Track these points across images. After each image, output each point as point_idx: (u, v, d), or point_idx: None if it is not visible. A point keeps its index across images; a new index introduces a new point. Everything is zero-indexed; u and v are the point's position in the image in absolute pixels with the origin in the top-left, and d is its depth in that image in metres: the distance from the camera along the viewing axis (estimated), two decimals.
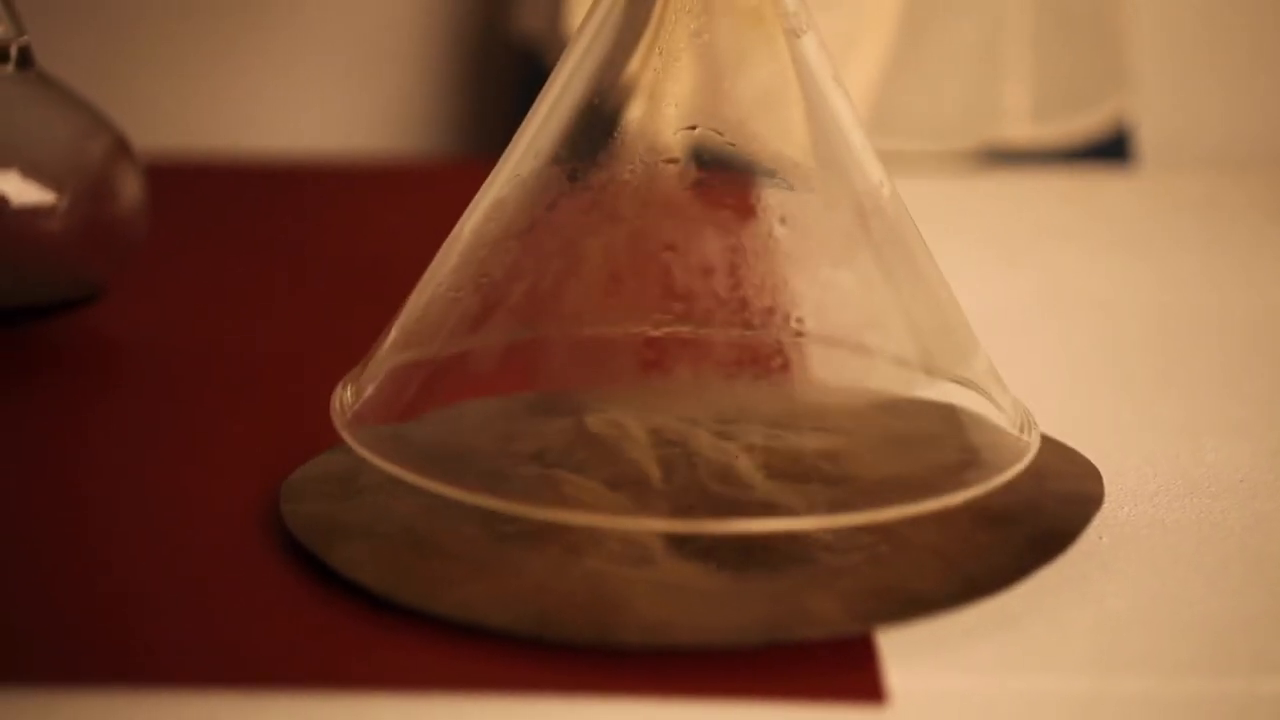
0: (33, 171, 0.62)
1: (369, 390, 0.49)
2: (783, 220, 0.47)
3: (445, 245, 0.50)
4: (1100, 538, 0.48)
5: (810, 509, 0.45)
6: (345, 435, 0.47)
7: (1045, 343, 0.67)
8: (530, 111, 0.50)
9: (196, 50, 1.29)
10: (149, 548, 0.48)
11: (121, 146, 0.64)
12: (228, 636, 0.43)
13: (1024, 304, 0.71)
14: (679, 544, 0.45)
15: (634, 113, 0.48)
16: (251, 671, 0.42)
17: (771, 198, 0.48)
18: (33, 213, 0.62)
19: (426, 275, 0.50)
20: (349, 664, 0.42)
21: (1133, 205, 0.90)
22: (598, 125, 0.48)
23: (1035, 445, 0.48)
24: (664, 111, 0.48)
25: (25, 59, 0.63)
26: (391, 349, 0.50)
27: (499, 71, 1.29)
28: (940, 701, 0.41)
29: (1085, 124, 1.09)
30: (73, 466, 0.54)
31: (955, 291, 0.51)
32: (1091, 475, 0.50)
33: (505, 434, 0.49)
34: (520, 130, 0.49)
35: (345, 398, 0.49)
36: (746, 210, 0.47)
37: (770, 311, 0.47)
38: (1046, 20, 1.06)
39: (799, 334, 0.47)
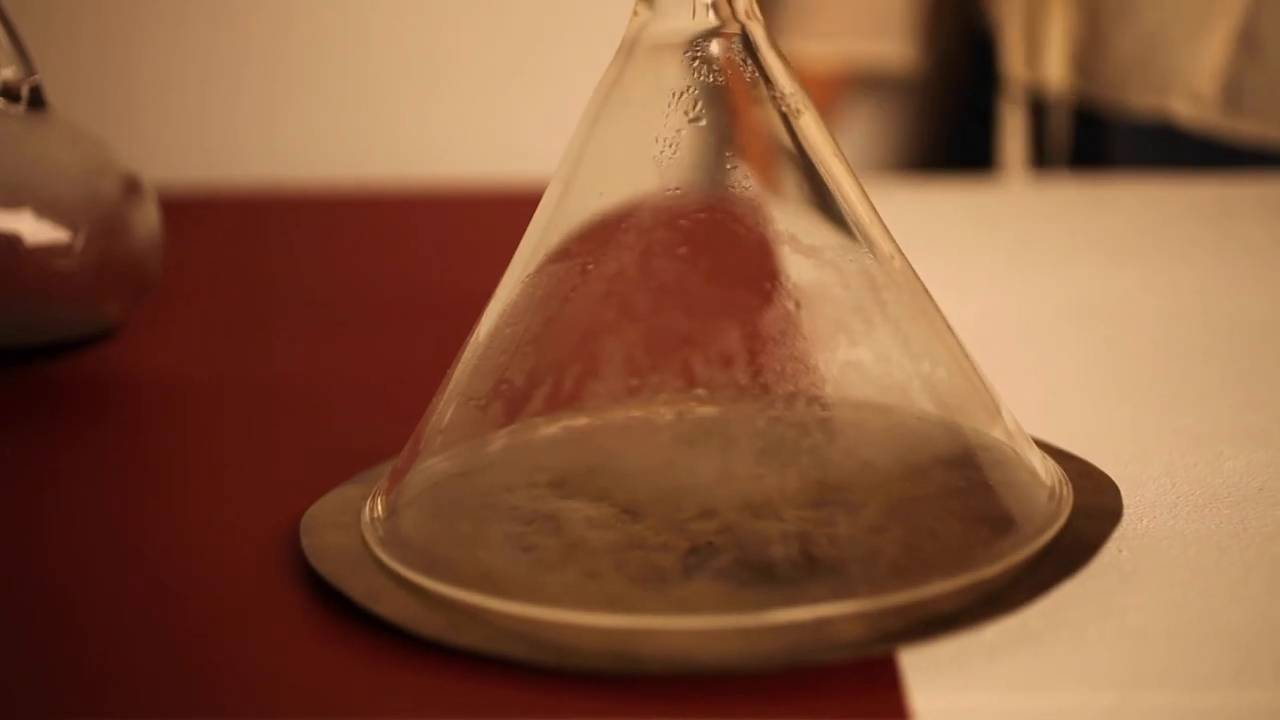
0: (46, 210, 0.62)
1: (400, 506, 0.48)
2: (798, 305, 0.48)
3: (465, 349, 0.50)
4: (1120, 550, 0.48)
5: (833, 541, 0.45)
6: (379, 553, 0.47)
7: (1053, 356, 0.67)
8: (537, 210, 0.50)
9: (202, 80, 1.30)
10: (168, 584, 0.49)
11: (134, 183, 0.64)
12: (249, 672, 0.44)
13: (1026, 317, 0.71)
14: (698, 564, 0.45)
15: (640, 200, 0.49)
16: (274, 707, 0.42)
17: (784, 280, 0.48)
18: (47, 251, 0.62)
19: (451, 383, 0.50)
20: (371, 698, 0.42)
21: (1110, 213, 0.90)
22: (603, 216, 0.49)
23: (1069, 504, 0.48)
24: (669, 196, 0.48)
25: (37, 98, 0.63)
26: (420, 462, 0.49)
27: None
28: None
29: None
30: (90, 504, 0.54)
31: (954, 306, 0.51)
32: (1109, 488, 0.50)
33: (528, 465, 0.49)
34: (529, 230, 0.50)
35: (376, 512, 0.49)
36: (763, 293, 0.48)
37: (793, 395, 0.47)
38: None
39: (824, 412, 0.48)
